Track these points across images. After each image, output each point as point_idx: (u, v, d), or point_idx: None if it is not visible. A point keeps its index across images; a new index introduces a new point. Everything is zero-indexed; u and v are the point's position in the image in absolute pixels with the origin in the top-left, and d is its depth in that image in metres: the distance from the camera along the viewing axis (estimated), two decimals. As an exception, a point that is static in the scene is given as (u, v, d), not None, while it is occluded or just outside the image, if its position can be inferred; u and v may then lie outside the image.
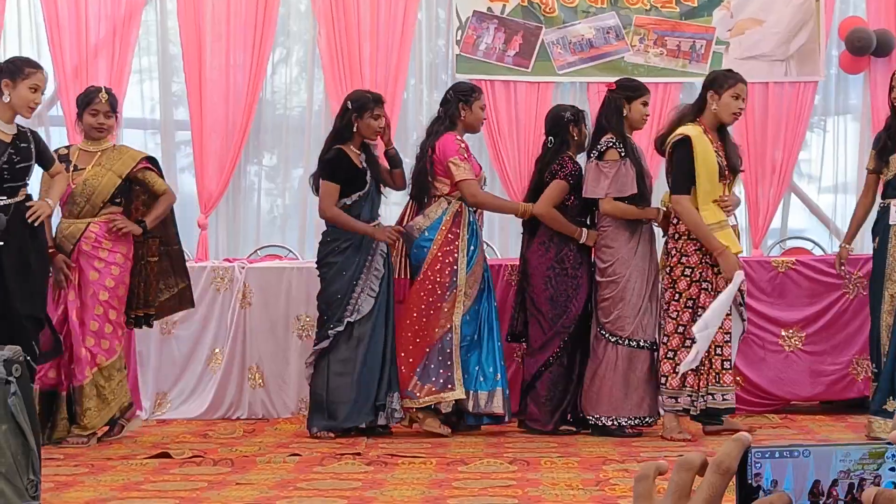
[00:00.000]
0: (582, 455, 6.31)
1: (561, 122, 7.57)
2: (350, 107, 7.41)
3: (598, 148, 7.33)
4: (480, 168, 7.64)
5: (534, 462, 6.04)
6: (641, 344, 7.24)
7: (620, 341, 7.22)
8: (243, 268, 8.18)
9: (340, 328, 7.18)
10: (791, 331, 7.95)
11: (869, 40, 10.47)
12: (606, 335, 7.25)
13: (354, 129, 7.35)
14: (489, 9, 10.51)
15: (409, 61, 10.56)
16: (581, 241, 7.40)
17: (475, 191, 7.33)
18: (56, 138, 10.49)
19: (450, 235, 7.34)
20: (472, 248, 7.36)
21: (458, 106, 7.47)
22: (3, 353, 4.39)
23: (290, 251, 9.90)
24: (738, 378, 7.86)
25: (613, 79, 10.38)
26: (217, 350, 8.12)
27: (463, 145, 7.38)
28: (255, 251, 9.93)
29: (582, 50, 10.55)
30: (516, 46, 10.53)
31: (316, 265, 7.45)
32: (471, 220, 7.40)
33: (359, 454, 6.36)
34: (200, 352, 8.14)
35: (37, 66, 6.71)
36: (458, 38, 10.54)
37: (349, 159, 7.32)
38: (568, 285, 7.38)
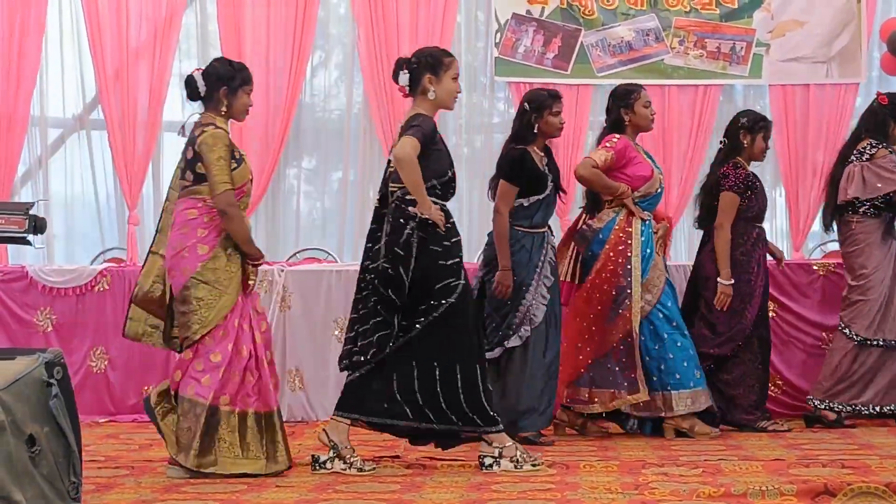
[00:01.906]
0: (621, 458, 6.29)
1: (734, 127, 7.60)
2: (528, 107, 7.10)
3: (865, 152, 7.53)
4: (653, 171, 7.36)
5: (573, 465, 6.02)
6: (881, 343, 7.55)
7: (866, 341, 7.53)
8: (283, 271, 8.20)
9: (510, 334, 7.00)
10: (832, 334, 7.89)
11: (911, 42, 10.39)
12: (849, 333, 7.54)
13: (535, 130, 7.10)
14: (528, 11, 10.51)
15: (448, 64, 10.55)
16: (725, 282, 7.40)
17: (587, 164, 7.10)
18: (97, 143, 10.58)
19: (622, 235, 7.19)
20: (648, 250, 7.21)
21: (621, 112, 7.31)
22: (46, 355, 4.41)
23: (330, 254, 9.92)
24: (778, 381, 7.90)
25: (654, 81, 10.44)
26: (257, 353, 8.13)
27: (616, 140, 7.18)
28: (295, 254, 9.95)
29: (621, 52, 10.54)
30: (555, 49, 10.52)
31: (483, 268, 7.19)
32: (645, 223, 7.25)
33: (397, 457, 6.37)
34: (240, 354, 8.16)
35: (451, 54, 6.25)
36: (497, 40, 10.54)
37: (533, 161, 7.07)
38: (744, 291, 7.38)
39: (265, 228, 10.69)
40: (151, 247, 6.18)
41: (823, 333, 8.03)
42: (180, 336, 6.01)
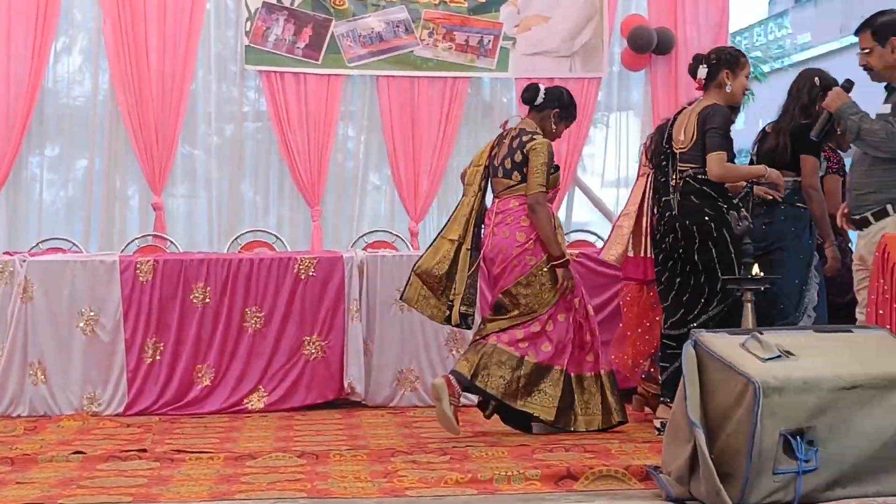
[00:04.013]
0: (371, 447, 6.34)
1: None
2: (819, 83, 7.00)
3: None
4: None
5: (322, 455, 6.03)
6: None
7: None
8: (24, 261, 7.96)
9: (803, 314, 6.80)
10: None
11: (650, 38, 10.77)
12: None
13: (816, 108, 6.85)
14: (279, 0, 10.46)
15: (197, 52, 10.45)
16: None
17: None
18: None
19: None
20: None
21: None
22: None
23: (74, 244, 9.69)
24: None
25: (403, 73, 10.54)
26: (-4, 345, 7.89)
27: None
28: (37, 244, 9.69)
29: (371, 43, 10.59)
30: (306, 38, 10.51)
31: (762, 247, 6.80)
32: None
33: (144, 450, 6.27)
34: (-21, 348, 7.90)
35: (745, 54, 6.84)
36: (248, 28, 10.47)
37: None
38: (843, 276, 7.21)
39: (6, 217, 10.38)
40: (441, 232, 6.99)
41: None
42: (521, 311, 6.79)
